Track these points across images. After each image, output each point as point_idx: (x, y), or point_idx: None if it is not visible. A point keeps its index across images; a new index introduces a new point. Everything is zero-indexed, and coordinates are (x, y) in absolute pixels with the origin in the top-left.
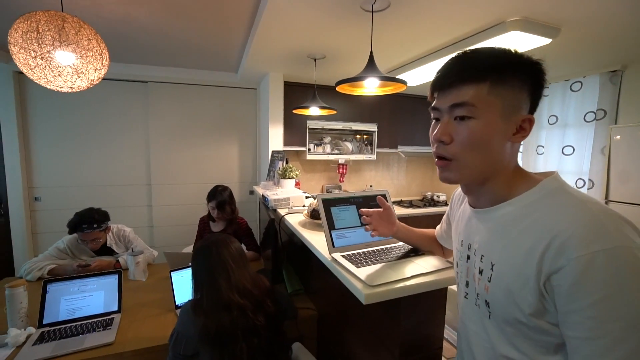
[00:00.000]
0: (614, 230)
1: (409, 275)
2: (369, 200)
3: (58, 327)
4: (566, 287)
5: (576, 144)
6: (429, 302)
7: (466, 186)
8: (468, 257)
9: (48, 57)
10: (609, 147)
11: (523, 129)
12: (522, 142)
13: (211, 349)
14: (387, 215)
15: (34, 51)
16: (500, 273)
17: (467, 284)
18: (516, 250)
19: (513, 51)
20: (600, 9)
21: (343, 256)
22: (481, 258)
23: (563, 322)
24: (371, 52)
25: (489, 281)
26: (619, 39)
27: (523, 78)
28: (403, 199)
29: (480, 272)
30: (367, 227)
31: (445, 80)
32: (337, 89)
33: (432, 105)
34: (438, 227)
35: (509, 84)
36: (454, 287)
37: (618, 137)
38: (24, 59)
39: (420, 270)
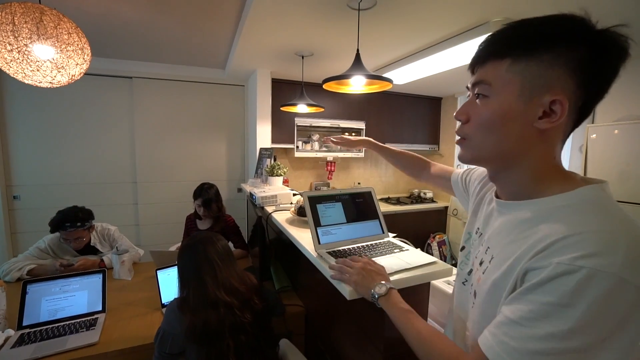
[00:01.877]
0: (626, 258)
1: (393, 271)
2: (355, 198)
3: (39, 328)
4: (534, 282)
5: None
6: (413, 297)
7: (488, 172)
8: (477, 245)
9: (25, 50)
10: (585, 145)
11: (553, 112)
12: (566, 134)
13: (197, 346)
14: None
15: (9, 44)
16: (493, 266)
17: (469, 272)
18: (517, 249)
19: (562, 17)
20: (578, 11)
21: (328, 252)
22: (487, 250)
23: (508, 303)
24: (357, 50)
25: (483, 273)
26: None
27: (560, 51)
28: (391, 196)
29: (481, 263)
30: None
31: (473, 58)
32: (324, 86)
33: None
34: (458, 170)
35: (535, 59)
36: (437, 282)
37: (594, 136)
38: None
39: (404, 265)
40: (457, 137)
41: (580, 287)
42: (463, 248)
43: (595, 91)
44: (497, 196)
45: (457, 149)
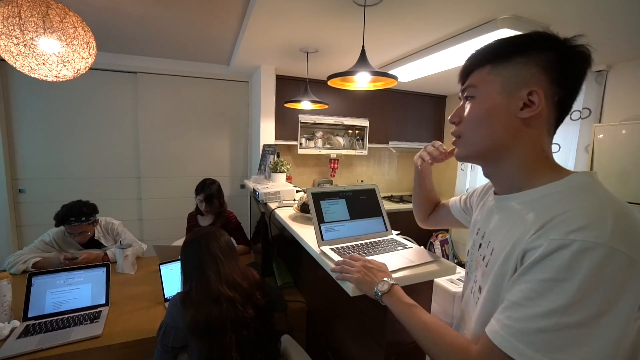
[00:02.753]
0: (614, 228)
1: (397, 268)
2: (359, 195)
3: (44, 320)
4: (530, 261)
5: (562, 141)
6: (416, 295)
7: (482, 169)
8: (480, 246)
9: (31, 44)
10: (592, 145)
11: (532, 102)
12: (550, 126)
13: (199, 340)
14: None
15: (16, 38)
16: (494, 257)
17: (475, 271)
18: (514, 236)
19: (529, 33)
20: (588, 8)
21: (332, 249)
22: (488, 245)
23: (509, 288)
24: (363, 46)
25: (486, 266)
26: (606, 39)
27: (530, 54)
28: (394, 194)
29: (483, 259)
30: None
31: (461, 70)
32: (329, 83)
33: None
34: (456, 197)
35: (511, 62)
36: (440, 281)
37: (601, 135)
38: (5, 46)
39: (407, 263)
40: (453, 139)
41: (575, 260)
42: (468, 253)
43: (566, 87)
44: (495, 194)
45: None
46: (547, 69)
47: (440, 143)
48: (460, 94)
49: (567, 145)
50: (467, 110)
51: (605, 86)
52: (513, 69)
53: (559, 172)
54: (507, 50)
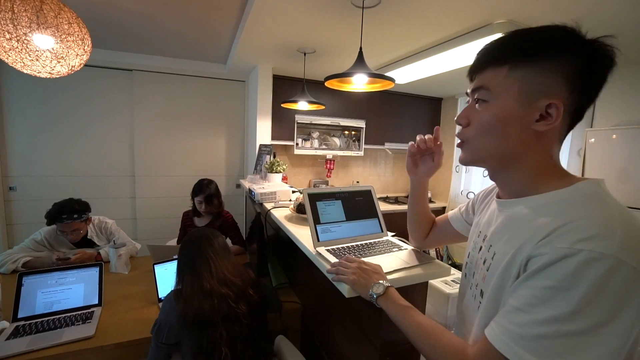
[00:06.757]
0: (622, 240)
1: (392, 270)
2: (355, 196)
3: (34, 320)
4: (535, 268)
5: None
6: (411, 296)
7: (488, 172)
8: (480, 248)
9: (25, 39)
10: (584, 149)
11: (549, 115)
12: (562, 136)
13: (190, 333)
14: (433, 155)
15: (8, 32)
16: (496, 262)
17: (473, 274)
18: (518, 241)
19: (556, 28)
20: (582, 14)
21: (327, 250)
22: (489, 248)
23: (512, 292)
24: (360, 48)
25: (487, 270)
26: None
27: (556, 59)
28: (389, 195)
29: (484, 262)
30: (413, 144)
31: (472, 65)
32: (326, 84)
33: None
34: (454, 209)
35: (533, 66)
36: (434, 282)
37: (593, 140)
38: None
39: (402, 264)
40: (458, 141)
41: (580, 269)
42: (468, 255)
43: (587, 97)
44: (498, 197)
45: (457, 152)
46: (571, 78)
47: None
48: (469, 92)
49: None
50: (477, 114)
51: None
52: (535, 75)
53: (567, 179)
54: (531, 50)
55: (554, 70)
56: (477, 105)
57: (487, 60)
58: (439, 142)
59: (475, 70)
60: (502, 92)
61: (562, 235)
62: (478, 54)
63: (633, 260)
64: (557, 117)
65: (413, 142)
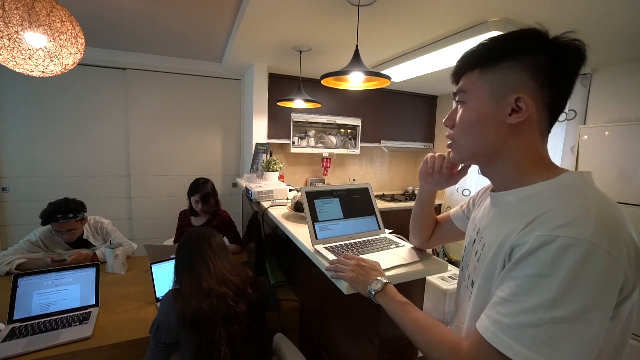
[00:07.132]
0: (596, 226)
1: (390, 266)
2: (352, 194)
3: (30, 322)
4: (517, 257)
5: (549, 142)
6: (408, 292)
7: (478, 167)
8: (474, 241)
9: (16, 38)
10: (577, 146)
11: (519, 108)
12: (543, 128)
13: (189, 333)
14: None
15: None
16: (485, 252)
17: (468, 266)
18: (503, 232)
19: (520, 32)
20: (575, 13)
21: (326, 248)
22: (480, 240)
23: (499, 283)
24: (357, 46)
25: (477, 261)
26: (591, 43)
27: (519, 58)
28: (385, 193)
29: (475, 253)
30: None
31: (452, 71)
32: (322, 82)
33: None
34: (456, 207)
35: (498, 67)
36: (431, 278)
37: (586, 137)
38: None
39: (400, 261)
40: (448, 142)
41: (558, 255)
42: (465, 249)
43: (558, 89)
44: (492, 191)
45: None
46: (536, 73)
47: (440, 153)
48: (453, 96)
49: (553, 146)
50: (460, 115)
51: (590, 89)
52: (500, 74)
53: (554, 171)
54: (495, 54)
55: (518, 69)
56: (458, 107)
57: (463, 66)
58: (459, 169)
59: (454, 75)
60: (476, 93)
61: (541, 224)
62: (457, 61)
63: (606, 244)
64: (527, 109)
65: (434, 154)
